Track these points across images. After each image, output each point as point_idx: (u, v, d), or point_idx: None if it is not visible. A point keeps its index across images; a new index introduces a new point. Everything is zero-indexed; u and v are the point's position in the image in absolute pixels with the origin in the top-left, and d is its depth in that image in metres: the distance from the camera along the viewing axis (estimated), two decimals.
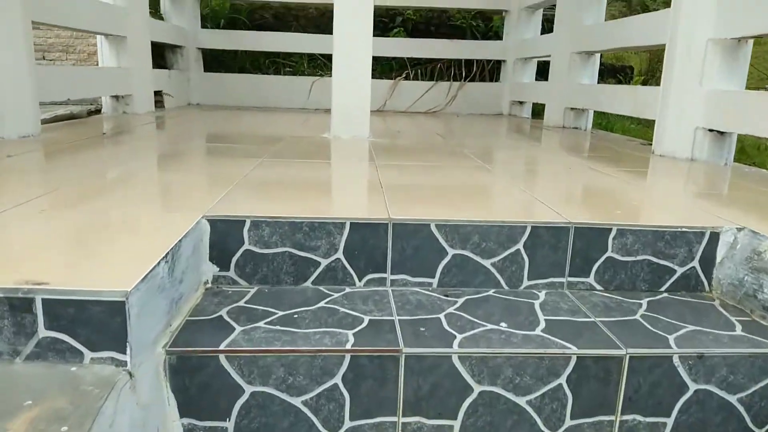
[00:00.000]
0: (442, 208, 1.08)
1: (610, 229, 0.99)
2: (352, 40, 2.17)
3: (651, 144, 2.07)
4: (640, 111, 2.30)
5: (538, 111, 3.83)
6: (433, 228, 0.96)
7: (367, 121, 2.23)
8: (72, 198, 1.04)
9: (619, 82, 4.99)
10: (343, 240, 0.95)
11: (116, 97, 2.77)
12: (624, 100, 2.44)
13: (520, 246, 0.98)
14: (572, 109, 3.00)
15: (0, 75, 1.71)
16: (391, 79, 4.20)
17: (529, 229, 0.98)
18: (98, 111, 2.88)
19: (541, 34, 3.86)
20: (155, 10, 3.59)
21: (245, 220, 0.94)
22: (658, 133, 2.02)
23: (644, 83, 5.68)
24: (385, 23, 4.46)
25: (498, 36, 4.23)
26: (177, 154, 1.71)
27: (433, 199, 1.18)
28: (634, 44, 2.41)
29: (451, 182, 1.39)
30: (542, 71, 3.93)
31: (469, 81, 4.16)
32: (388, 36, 4.33)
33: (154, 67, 3.32)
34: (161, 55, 3.64)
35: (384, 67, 4.32)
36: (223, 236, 0.93)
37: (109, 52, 2.75)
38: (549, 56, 3.24)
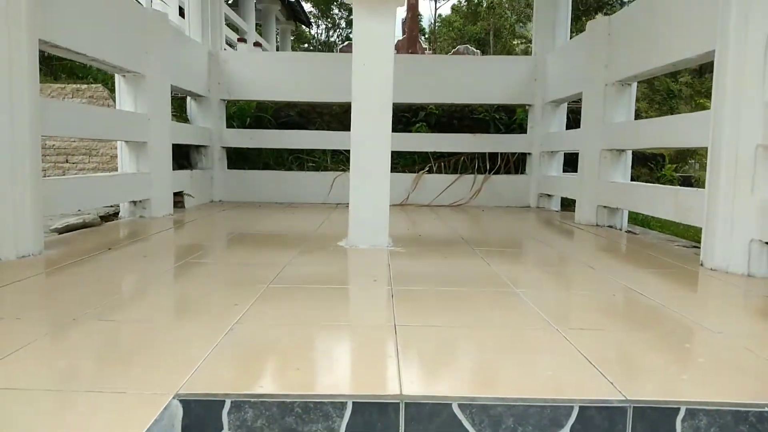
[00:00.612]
0: (467, 374, 0.90)
1: (678, 409, 0.79)
2: (371, 153, 2.09)
3: (696, 246, 1.88)
4: (683, 215, 2.11)
5: (567, 202, 3.68)
6: (455, 409, 0.78)
7: (385, 229, 2.10)
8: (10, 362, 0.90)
9: (651, 171, 4.84)
10: (344, 426, 0.77)
11: (134, 201, 2.73)
12: (663, 201, 2.27)
13: None
14: (605, 206, 2.83)
15: None
16: (415, 172, 4.15)
17: (576, 411, 0.78)
18: (115, 214, 2.84)
19: (567, 126, 3.79)
20: (180, 113, 3.66)
21: (224, 401, 0.77)
22: (706, 243, 1.82)
23: (677, 170, 5.51)
24: (407, 118, 4.48)
25: (522, 128, 4.17)
26: (172, 280, 1.59)
27: (455, 356, 1.00)
28: (669, 145, 2.28)
29: (477, 322, 1.21)
30: (570, 161, 3.83)
31: (494, 174, 4.07)
32: (411, 130, 4.33)
33: (176, 168, 3.34)
34: (185, 154, 3.67)
35: (407, 161, 4.28)
36: (199, 422, 0.76)
37: (128, 157, 2.74)
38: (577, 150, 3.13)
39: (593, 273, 1.75)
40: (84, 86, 3.41)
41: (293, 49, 31.55)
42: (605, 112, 2.79)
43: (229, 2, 22.47)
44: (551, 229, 2.88)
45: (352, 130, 2.10)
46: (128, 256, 1.84)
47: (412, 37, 7.18)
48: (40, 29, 1.80)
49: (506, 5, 25.75)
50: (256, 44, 15.04)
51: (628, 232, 2.83)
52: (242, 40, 12.96)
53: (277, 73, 3.94)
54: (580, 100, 3.09)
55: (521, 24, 27.63)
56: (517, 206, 3.97)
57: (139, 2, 5.96)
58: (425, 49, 10.42)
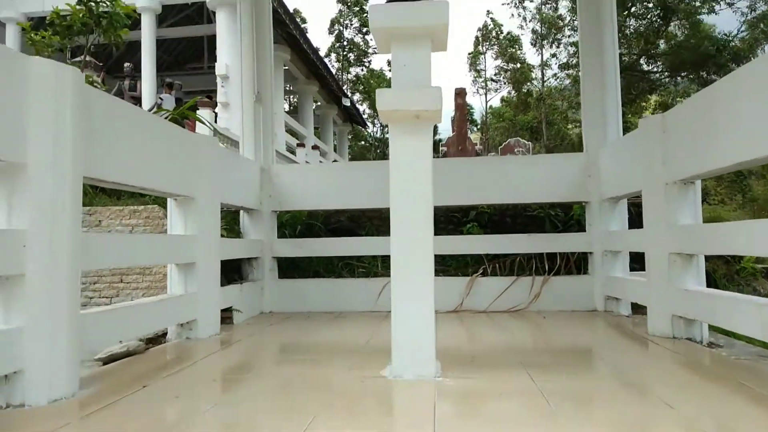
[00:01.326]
0: None
1: None
2: (413, 276, 1.98)
3: None
4: None
5: (639, 305, 3.37)
6: None
7: (432, 355, 1.94)
8: None
9: (728, 264, 4.44)
10: None
11: (180, 323, 2.71)
12: (746, 316, 1.99)
13: None
14: (680, 316, 2.54)
15: (28, 333, 1.63)
16: (468, 274, 3.98)
17: None
18: (163, 334, 2.83)
19: (629, 221, 3.57)
20: (232, 227, 3.75)
21: None
22: None
23: (758, 260, 5.05)
24: (458, 218, 4.39)
25: (580, 224, 3.97)
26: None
27: None
28: (749, 252, 2.04)
29: None
30: (637, 257, 3.55)
31: (553, 275, 3.84)
32: (462, 231, 4.22)
33: (227, 282, 3.35)
34: (237, 267, 3.70)
35: (459, 263, 4.14)
36: None
37: (177, 278, 2.76)
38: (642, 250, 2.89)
39: (674, 416, 1.49)
40: (141, 207, 3.60)
41: (350, 147, 33.14)
42: (669, 213, 2.59)
43: (290, 110, 24.20)
44: (620, 343, 2.60)
45: (391, 255, 2.01)
46: (162, 395, 1.76)
47: (461, 135, 7.29)
48: (85, 167, 1.87)
49: (556, 95, 26.20)
50: (314, 147, 15.89)
51: (710, 345, 2.51)
52: (301, 144, 13.73)
53: (325, 183, 4.01)
54: (640, 196, 2.90)
55: (573, 110, 27.86)
56: (583, 310, 3.68)
57: (203, 122, 6.43)
58: (475, 144, 10.60)
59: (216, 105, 10.36)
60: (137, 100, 10.57)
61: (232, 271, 3.61)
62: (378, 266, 4.21)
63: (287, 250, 3.99)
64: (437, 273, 4.21)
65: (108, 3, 4.42)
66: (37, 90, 1.70)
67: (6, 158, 1.62)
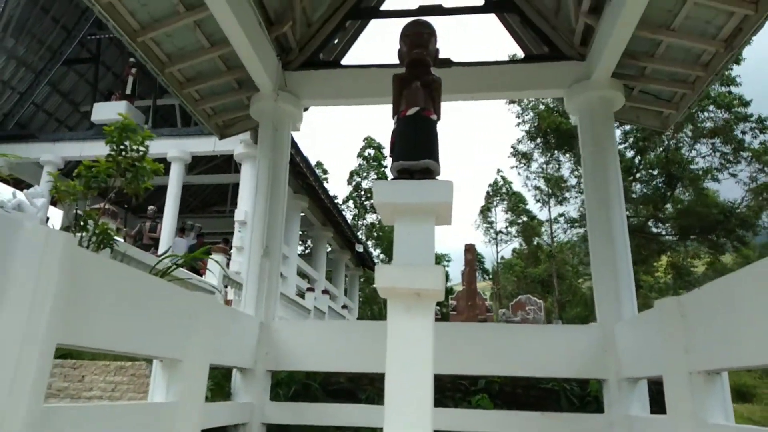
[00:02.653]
0: None
1: None
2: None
3: None
4: None
5: None
6: None
7: None
8: None
9: None
10: None
11: None
12: None
13: None
14: None
15: None
16: None
17: None
18: None
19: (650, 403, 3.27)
20: (222, 387, 3.50)
21: None
22: None
23: None
24: (465, 387, 4.09)
25: (598, 401, 3.65)
26: None
27: None
28: None
29: None
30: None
31: None
32: (470, 402, 3.90)
33: None
34: None
35: None
36: None
37: None
38: None
39: None
40: (128, 364, 3.42)
41: (361, 290, 33.03)
42: (696, 408, 2.33)
43: (304, 254, 24.53)
44: None
45: None
46: None
47: (470, 291, 7.18)
48: (62, 334, 1.76)
49: (567, 251, 26.49)
50: (324, 291, 15.79)
51: None
52: (311, 289, 13.65)
53: (327, 342, 3.82)
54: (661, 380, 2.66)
55: (584, 266, 27.91)
56: None
57: (218, 264, 6.44)
58: (485, 300, 10.44)
59: (231, 248, 10.53)
60: (156, 241, 10.82)
61: None
62: None
63: (279, 415, 3.67)
64: None
65: (137, 156, 4.62)
66: (24, 253, 1.66)
67: None
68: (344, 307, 17.76)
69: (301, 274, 15.79)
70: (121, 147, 4.57)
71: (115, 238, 4.71)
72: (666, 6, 3.63)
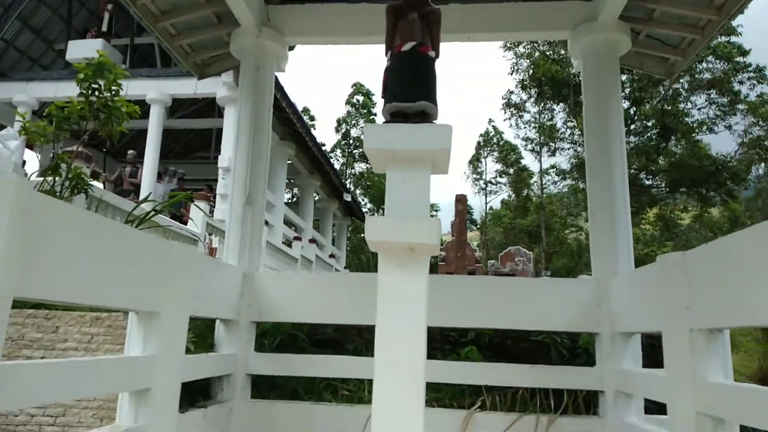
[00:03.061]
0: None
1: None
2: (399, 416, 1.64)
3: None
4: None
5: None
6: None
7: None
8: None
9: None
10: None
11: None
12: None
13: None
14: None
15: None
16: (464, 406, 3.55)
17: None
18: None
19: (644, 357, 3.23)
20: (204, 338, 3.39)
21: None
22: None
23: None
24: (454, 338, 4.03)
25: (589, 354, 3.61)
26: None
27: None
28: None
29: None
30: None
31: (560, 414, 3.41)
32: (459, 353, 3.84)
33: (188, 404, 2.95)
34: (203, 387, 3.29)
35: (455, 392, 3.72)
36: None
37: (127, 407, 2.38)
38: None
39: None
40: (104, 315, 3.28)
41: (349, 239, 33.08)
42: (695, 366, 2.25)
43: (291, 202, 24.32)
44: None
45: (373, 403, 1.67)
46: None
47: (461, 241, 7.09)
48: (18, 286, 1.59)
49: (557, 203, 26.54)
50: (312, 240, 15.71)
51: None
52: (298, 238, 13.54)
53: (312, 294, 3.71)
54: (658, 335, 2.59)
55: (572, 217, 28.09)
56: None
57: (202, 210, 6.24)
58: (474, 251, 10.41)
59: (215, 196, 10.30)
60: (137, 187, 10.53)
61: (197, 392, 3.20)
62: (365, 390, 3.79)
63: (264, 366, 3.59)
64: (430, 403, 3.77)
65: (110, 98, 4.32)
66: None
67: None
68: (332, 256, 17.76)
69: (288, 223, 15.65)
70: (94, 86, 4.27)
71: (90, 182, 4.46)
72: None
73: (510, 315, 3.52)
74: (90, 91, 4.31)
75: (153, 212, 4.00)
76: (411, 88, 2.01)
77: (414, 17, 2.10)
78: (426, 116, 2.02)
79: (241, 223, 3.72)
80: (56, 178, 4.27)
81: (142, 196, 10.48)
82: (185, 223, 8.19)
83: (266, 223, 10.36)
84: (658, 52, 4.31)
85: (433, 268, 15.20)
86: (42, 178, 4.40)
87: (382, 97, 2.15)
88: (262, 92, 4.04)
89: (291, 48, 4.49)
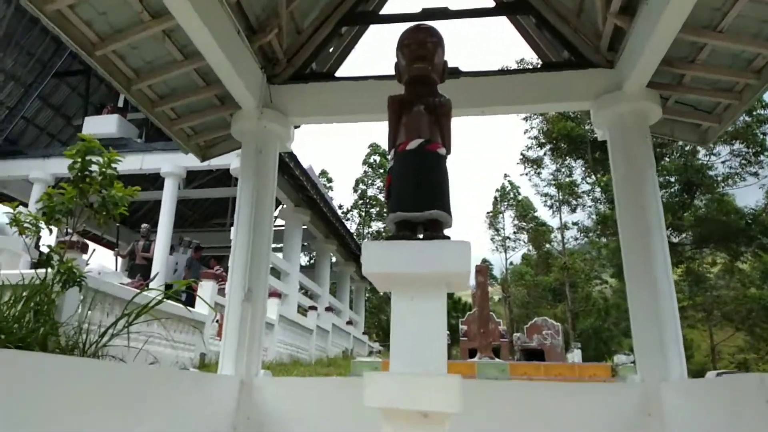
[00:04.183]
0: None
1: None
2: None
3: None
4: None
5: None
6: None
7: None
8: None
9: None
10: None
11: None
12: None
13: None
14: None
15: None
16: None
17: None
18: None
19: None
20: None
21: None
22: None
23: None
24: None
25: None
26: None
27: None
28: None
29: None
30: None
31: None
32: None
33: None
34: None
35: None
36: None
37: None
38: None
39: None
40: None
41: (368, 300, 32.36)
42: None
43: (307, 266, 23.98)
44: None
45: None
46: None
47: (483, 316, 6.60)
48: None
49: (579, 260, 25.78)
50: (328, 309, 15.24)
51: None
52: (313, 307, 13.10)
53: (321, 402, 3.26)
54: None
55: (595, 272, 27.20)
56: None
57: (204, 300, 5.92)
58: (498, 323, 9.84)
59: (227, 269, 10.01)
60: (149, 261, 10.32)
61: None
62: None
63: None
64: None
65: (106, 182, 4.07)
66: None
67: None
68: (349, 322, 17.20)
69: (303, 289, 15.27)
70: (85, 173, 4.02)
71: (83, 275, 4.15)
72: (713, 3, 3.07)
73: (547, 425, 3.03)
74: (81, 178, 4.05)
75: (148, 306, 3.67)
76: (419, 193, 1.68)
77: (420, 109, 1.80)
78: (438, 226, 1.68)
79: (240, 323, 3.36)
80: (47, 270, 3.95)
81: (154, 269, 10.26)
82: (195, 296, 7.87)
83: (279, 296, 9.99)
84: (689, 119, 3.98)
85: (454, 343, 14.53)
86: (34, 271, 4.09)
87: (386, 202, 1.83)
88: (265, 177, 3.77)
89: (296, 126, 4.27)
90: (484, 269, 7.21)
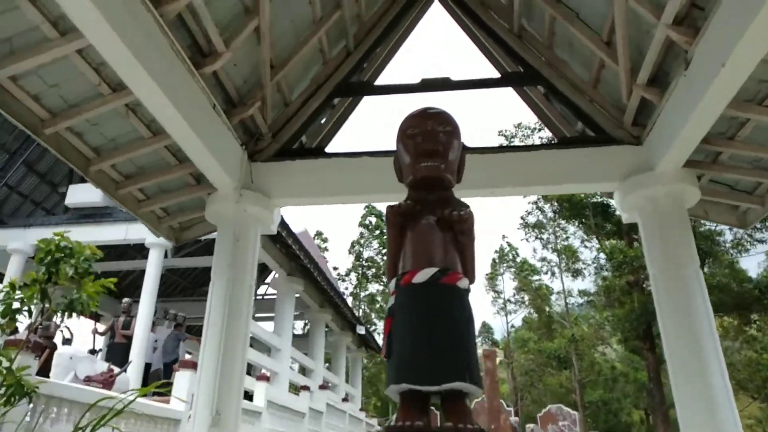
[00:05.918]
0: None
1: None
2: None
3: None
4: None
5: None
6: None
7: None
8: None
9: None
10: None
11: None
12: None
13: None
14: None
15: None
16: None
17: None
18: None
19: None
20: None
21: None
22: None
23: None
24: None
25: None
26: None
27: None
28: None
29: None
30: None
31: None
32: None
33: None
34: None
35: None
36: None
37: None
38: None
39: None
40: None
41: (366, 368, 30.99)
42: None
43: (301, 335, 22.98)
44: None
45: None
46: None
47: (493, 408, 5.88)
48: None
49: (584, 326, 24.91)
50: (322, 387, 14.25)
51: None
52: (306, 387, 12.17)
53: None
54: None
55: (601, 341, 26.26)
56: None
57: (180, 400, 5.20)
58: (509, 413, 9.01)
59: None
60: (129, 339, 9.57)
61: None
62: None
63: None
64: None
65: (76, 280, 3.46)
66: None
67: None
68: (345, 399, 16.14)
69: (296, 361, 14.37)
70: (51, 271, 3.45)
71: (34, 388, 3.46)
72: (761, 74, 2.66)
73: None
74: (46, 278, 3.46)
75: (106, 416, 3.03)
76: (432, 353, 1.14)
77: (430, 222, 1.29)
78: (459, 398, 1.13)
79: None
80: None
81: (134, 348, 9.49)
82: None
83: (267, 379, 9.20)
84: (726, 199, 3.52)
85: None
86: None
87: (385, 360, 1.28)
88: (242, 267, 3.24)
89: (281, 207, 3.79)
90: (492, 354, 6.52)
